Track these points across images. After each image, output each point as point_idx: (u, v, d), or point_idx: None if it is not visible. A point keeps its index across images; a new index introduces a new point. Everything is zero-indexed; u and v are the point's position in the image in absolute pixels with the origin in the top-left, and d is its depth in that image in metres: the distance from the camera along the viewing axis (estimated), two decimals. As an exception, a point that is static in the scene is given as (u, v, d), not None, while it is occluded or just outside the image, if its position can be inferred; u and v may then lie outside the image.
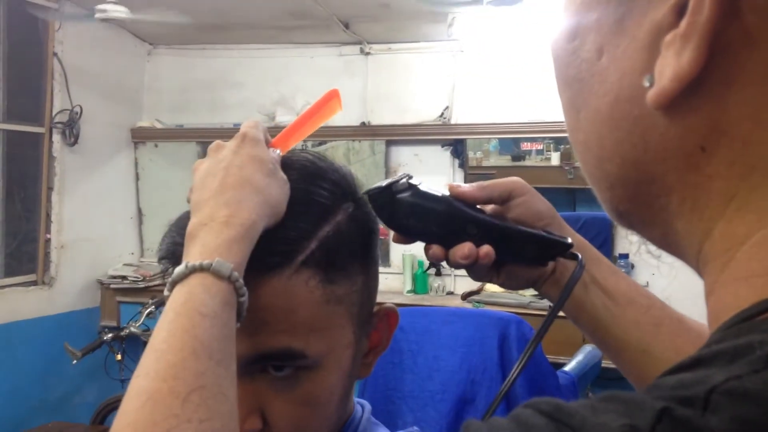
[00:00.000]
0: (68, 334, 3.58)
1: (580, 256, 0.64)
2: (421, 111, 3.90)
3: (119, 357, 3.38)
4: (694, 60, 0.30)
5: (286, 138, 0.68)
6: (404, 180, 0.64)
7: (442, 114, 3.87)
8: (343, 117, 3.94)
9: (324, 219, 0.62)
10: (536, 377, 2.07)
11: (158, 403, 0.46)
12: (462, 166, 3.91)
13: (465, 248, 0.62)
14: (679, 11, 0.31)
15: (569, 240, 0.65)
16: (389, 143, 3.98)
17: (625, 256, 3.42)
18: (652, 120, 0.33)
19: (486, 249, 0.62)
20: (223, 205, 0.56)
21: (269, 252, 0.58)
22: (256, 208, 0.57)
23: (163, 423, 0.45)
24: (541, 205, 0.68)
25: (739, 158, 0.31)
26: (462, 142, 3.89)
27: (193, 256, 0.54)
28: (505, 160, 4.52)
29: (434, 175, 3.90)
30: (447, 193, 0.66)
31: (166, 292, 0.54)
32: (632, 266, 3.42)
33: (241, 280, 0.53)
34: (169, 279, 0.54)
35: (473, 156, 4.19)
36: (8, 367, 3.50)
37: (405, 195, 0.63)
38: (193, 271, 0.52)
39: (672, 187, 0.34)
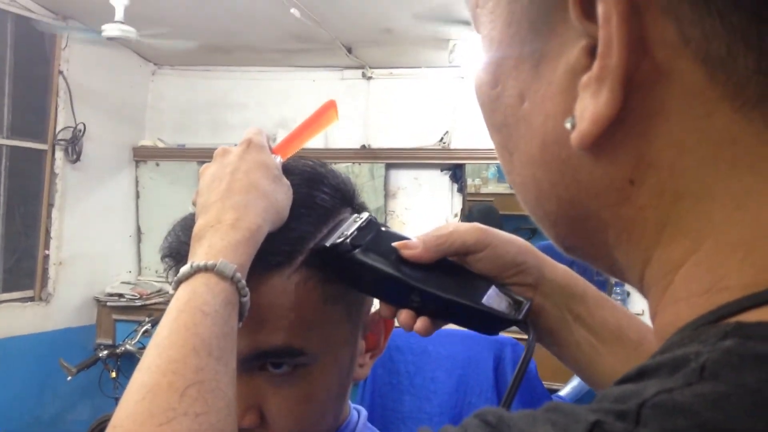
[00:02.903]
0: (64, 351, 3.57)
1: (530, 329, 0.61)
2: (421, 135, 3.93)
3: (114, 374, 3.37)
4: (610, 101, 0.30)
5: (286, 146, 0.70)
6: (347, 240, 0.61)
7: (442, 138, 3.90)
8: (343, 140, 3.98)
9: (324, 221, 0.64)
10: (532, 401, 2.08)
11: (157, 396, 0.47)
12: (461, 190, 3.94)
13: (401, 316, 0.61)
14: (591, 52, 0.31)
15: (521, 314, 0.60)
16: (389, 167, 4.01)
17: (621, 284, 3.43)
18: (580, 160, 0.33)
19: (419, 325, 0.61)
20: (230, 209, 0.58)
21: (271, 252, 0.60)
22: (261, 212, 0.59)
23: (161, 415, 0.46)
24: (506, 255, 0.62)
25: (667, 187, 0.31)
26: (461, 166, 3.92)
27: (198, 256, 0.56)
28: (503, 188, 4.54)
29: (433, 198, 3.93)
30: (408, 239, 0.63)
31: (171, 291, 0.56)
32: (628, 294, 3.44)
33: (243, 281, 0.55)
34: (174, 278, 0.56)
35: (472, 183, 4.21)
36: (3, 382, 3.49)
37: (345, 259, 0.61)
38: (197, 270, 0.54)
39: (608, 221, 0.34)
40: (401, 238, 0.64)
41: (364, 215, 0.65)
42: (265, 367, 0.62)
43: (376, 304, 0.72)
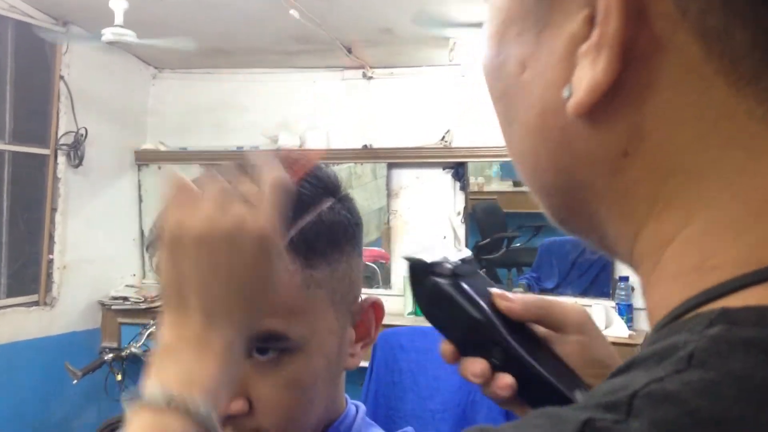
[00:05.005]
0: (69, 355, 3.58)
1: None
2: (422, 134, 3.93)
3: (119, 377, 3.38)
4: (608, 69, 0.31)
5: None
6: (449, 265, 0.56)
7: (443, 137, 3.90)
8: (345, 140, 3.98)
9: (305, 209, 0.65)
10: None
11: None
12: (463, 188, 3.94)
13: (477, 366, 0.54)
14: (592, 22, 0.31)
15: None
16: (391, 166, 4.01)
17: (626, 279, 3.43)
18: (576, 129, 0.34)
19: (508, 380, 0.54)
20: (217, 327, 0.52)
21: None
22: (248, 320, 0.54)
23: None
24: (598, 352, 0.58)
25: (660, 160, 0.32)
26: (463, 165, 3.92)
27: (170, 379, 0.50)
28: (506, 186, 4.54)
29: (436, 197, 3.92)
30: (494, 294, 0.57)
31: (129, 406, 0.50)
32: (632, 289, 3.43)
33: (216, 424, 0.50)
34: (139, 399, 0.50)
35: (474, 181, 4.21)
36: (9, 387, 3.49)
37: (442, 281, 0.56)
38: (170, 403, 0.49)
39: (600, 193, 0.35)
40: (493, 286, 0.58)
41: (467, 251, 0.60)
42: (251, 354, 0.62)
43: (364, 293, 0.72)
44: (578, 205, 0.37)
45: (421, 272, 0.57)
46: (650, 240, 0.33)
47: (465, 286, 0.56)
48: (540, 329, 0.58)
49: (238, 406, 0.62)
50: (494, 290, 0.57)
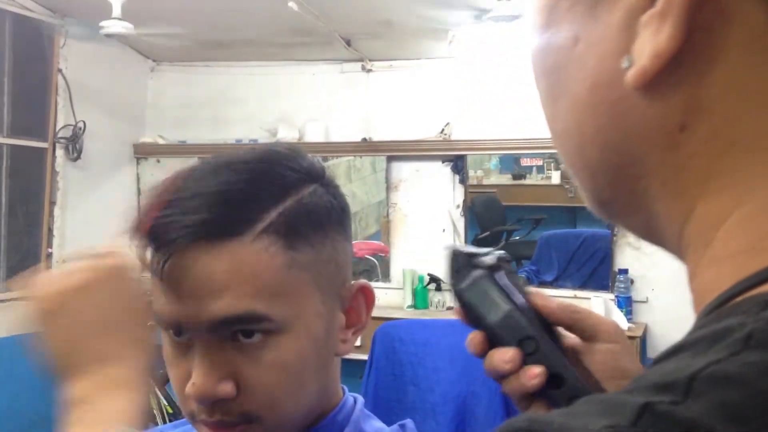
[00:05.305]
0: (69, 348, 3.58)
1: None
2: (421, 127, 3.92)
3: (119, 371, 3.38)
4: (672, 37, 0.30)
5: None
6: (491, 257, 0.57)
7: (443, 130, 3.90)
8: (344, 133, 3.98)
9: (286, 193, 0.65)
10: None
11: None
12: (462, 182, 3.94)
13: (509, 353, 0.53)
14: None
15: None
16: (390, 159, 4.01)
17: (625, 272, 3.43)
18: (631, 102, 0.33)
19: (538, 370, 0.52)
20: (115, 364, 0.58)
21: (232, 220, 0.61)
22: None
23: None
24: (628, 363, 0.57)
25: (719, 135, 0.31)
26: (462, 158, 3.92)
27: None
28: (505, 179, 4.54)
29: (435, 190, 3.92)
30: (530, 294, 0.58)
31: None
32: (632, 281, 3.43)
33: None
34: None
35: (474, 174, 4.21)
36: (7, 381, 3.49)
37: (481, 273, 0.57)
38: None
39: (653, 168, 0.34)
40: (528, 286, 0.59)
41: (503, 252, 0.61)
42: (237, 338, 0.62)
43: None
44: (625, 184, 0.36)
45: (461, 262, 0.58)
46: (702, 220, 0.32)
47: (504, 278, 0.57)
48: (568, 338, 0.58)
49: (227, 389, 0.61)
50: (534, 289, 0.58)
